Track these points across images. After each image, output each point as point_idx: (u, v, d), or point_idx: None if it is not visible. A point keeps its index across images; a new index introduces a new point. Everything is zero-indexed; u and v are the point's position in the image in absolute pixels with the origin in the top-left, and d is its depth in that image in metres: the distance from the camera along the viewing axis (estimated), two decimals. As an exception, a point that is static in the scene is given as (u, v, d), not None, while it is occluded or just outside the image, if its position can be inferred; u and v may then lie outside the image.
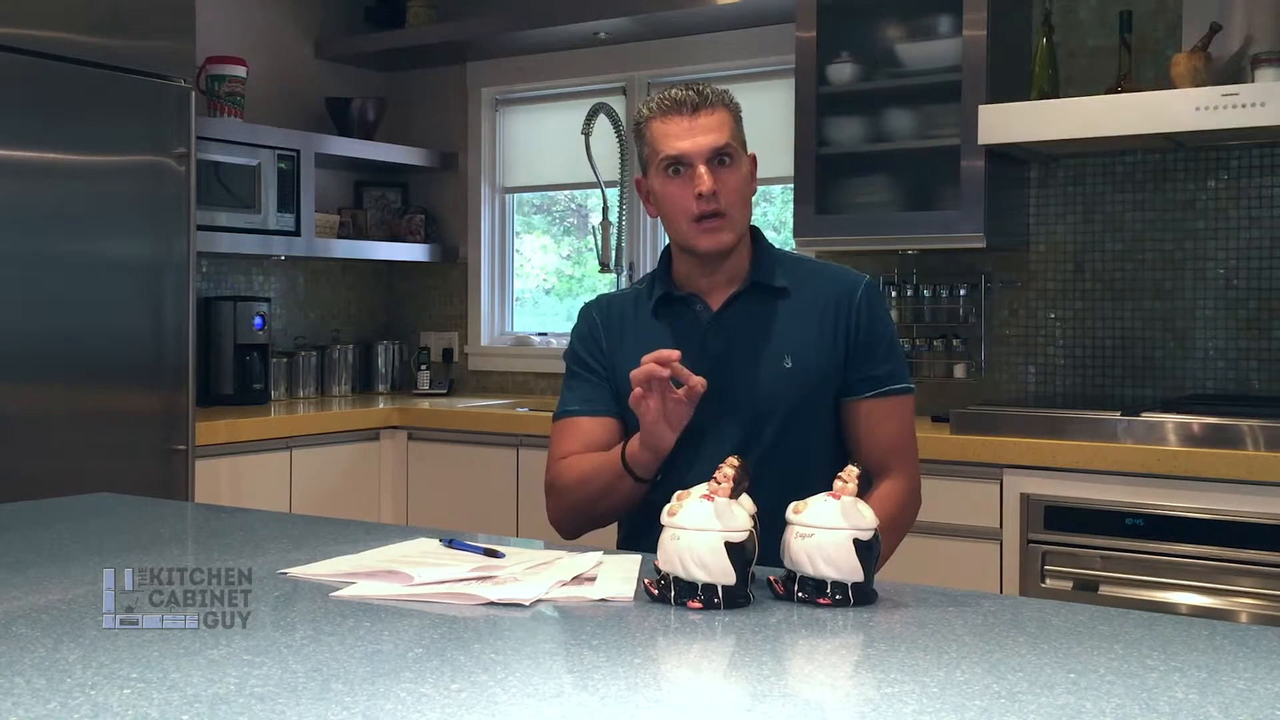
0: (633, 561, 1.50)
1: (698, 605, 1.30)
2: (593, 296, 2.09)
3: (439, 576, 1.39)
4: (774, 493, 1.53)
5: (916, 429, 1.98)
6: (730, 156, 1.86)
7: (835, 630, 1.26)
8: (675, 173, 1.86)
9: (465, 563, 1.46)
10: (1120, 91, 3.09)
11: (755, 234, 1.97)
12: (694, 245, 1.87)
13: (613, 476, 1.84)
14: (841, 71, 3.44)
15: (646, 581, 1.37)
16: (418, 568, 1.43)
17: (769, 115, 3.78)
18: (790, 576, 1.35)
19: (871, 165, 3.48)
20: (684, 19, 3.91)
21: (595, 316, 2.00)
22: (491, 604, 1.31)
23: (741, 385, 1.87)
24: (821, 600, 1.32)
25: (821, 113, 3.44)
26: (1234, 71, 3.03)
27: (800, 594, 1.34)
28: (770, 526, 1.40)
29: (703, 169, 1.83)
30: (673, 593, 1.32)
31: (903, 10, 3.46)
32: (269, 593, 1.39)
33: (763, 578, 1.39)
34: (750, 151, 1.93)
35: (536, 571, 1.43)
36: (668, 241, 1.99)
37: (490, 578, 1.39)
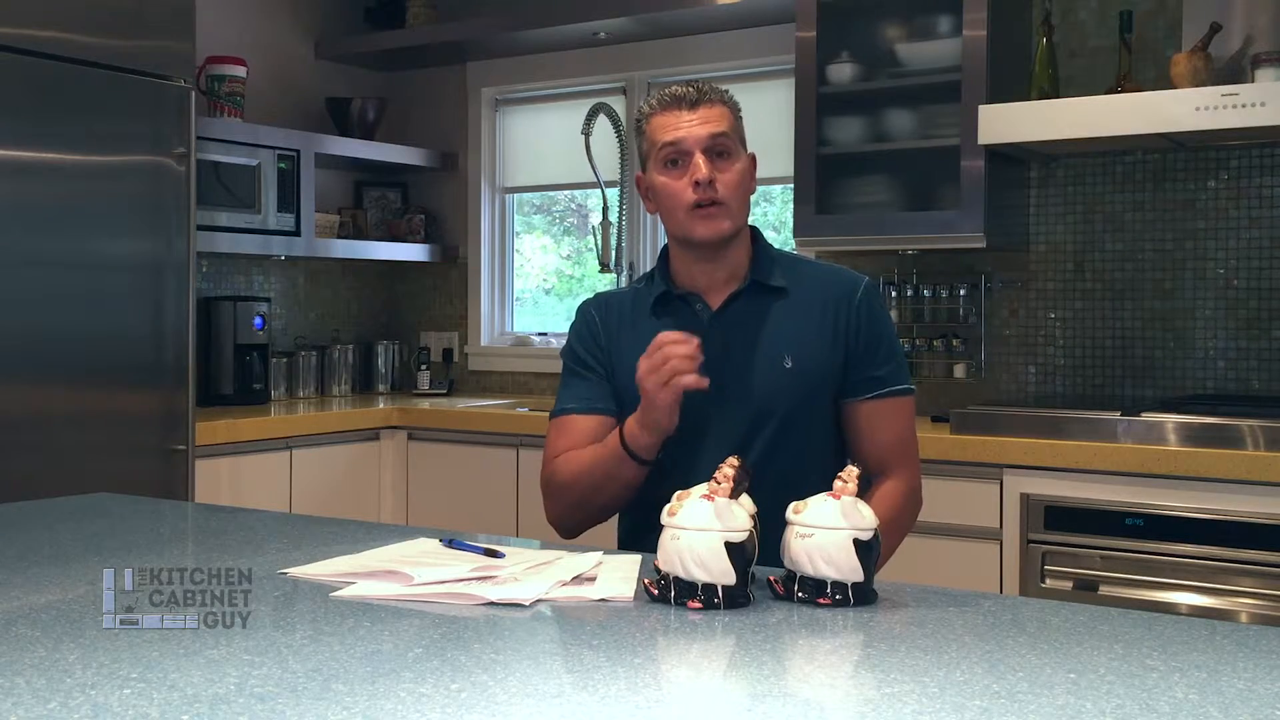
0: (633, 561, 1.50)
1: (698, 605, 1.30)
2: (591, 295, 2.08)
3: (439, 576, 1.39)
4: (773, 492, 1.53)
5: (917, 429, 1.98)
6: (728, 150, 1.86)
7: (835, 630, 1.26)
8: (673, 164, 1.86)
9: (465, 563, 1.46)
10: (1120, 91, 3.09)
11: (755, 234, 1.97)
12: (690, 233, 1.87)
13: (612, 462, 1.83)
14: (841, 71, 3.44)
15: (646, 581, 1.36)
16: (418, 568, 1.43)
17: (769, 115, 3.78)
18: (790, 576, 1.35)
19: (872, 165, 3.48)
20: (684, 19, 3.90)
21: (594, 314, 1.99)
22: (491, 604, 1.31)
23: (742, 384, 1.87)
24: (821, 600, 1.32)
25: (821, 113, 3.44)
26: (1234, 71, 3.04)
27: (800, 594, 1.34)
28: (770, 526, 1.40)
29: (700, 158, 1.84)
30: (673, 593, 1.32)
31: (903, 10, 3.46)
32: (269, 593, 1.39)
33: (763, 578, 1.39)
34: (750, 151, 1.92)
35: (537, 571, 1.43)
36: (666, 241, 1.98)
37: (490, 578, 1.39)
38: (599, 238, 4.12)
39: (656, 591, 1.34)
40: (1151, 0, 3.31)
